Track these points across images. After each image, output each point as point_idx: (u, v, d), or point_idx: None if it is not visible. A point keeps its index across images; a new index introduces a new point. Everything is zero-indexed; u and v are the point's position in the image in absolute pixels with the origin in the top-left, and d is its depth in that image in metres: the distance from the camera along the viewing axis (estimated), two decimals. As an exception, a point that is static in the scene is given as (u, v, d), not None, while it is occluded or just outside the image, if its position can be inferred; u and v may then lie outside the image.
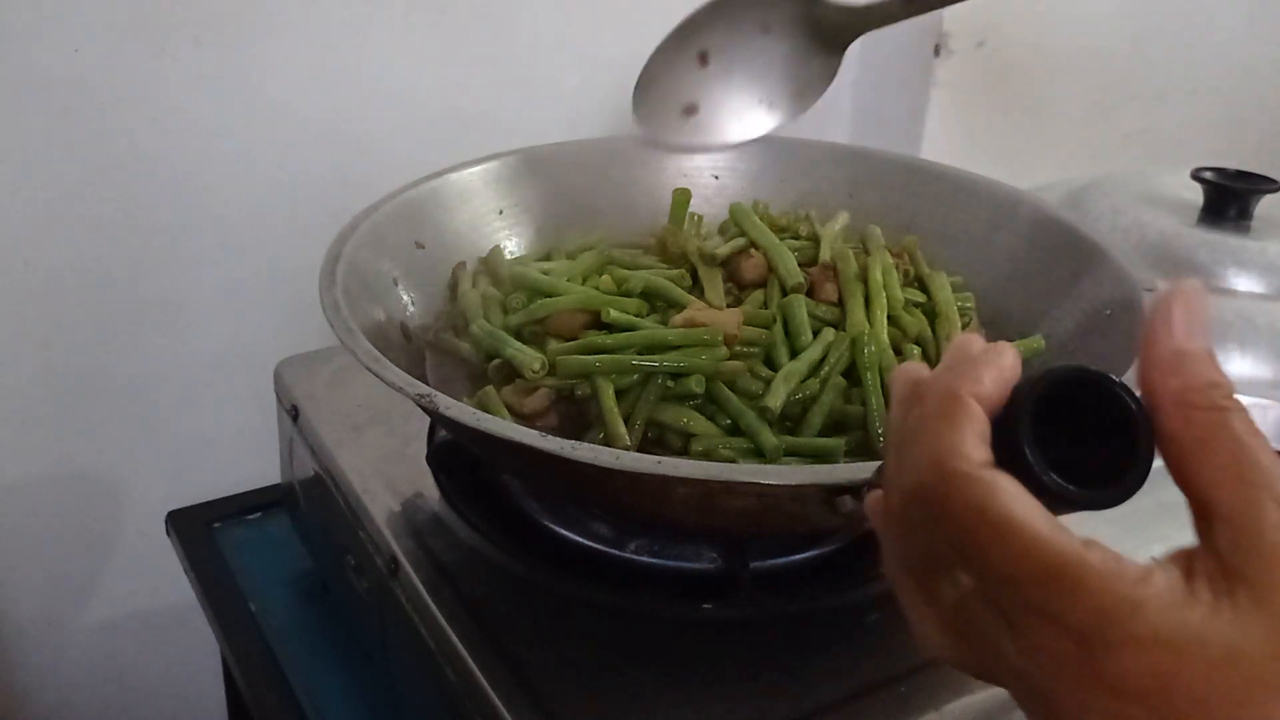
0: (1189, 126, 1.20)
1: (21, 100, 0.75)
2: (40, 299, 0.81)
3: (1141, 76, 1.16)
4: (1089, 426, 0.28)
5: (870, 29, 0.70)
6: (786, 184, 0.78)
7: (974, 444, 0.27)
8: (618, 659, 0.53)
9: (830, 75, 0.74)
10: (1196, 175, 0.83)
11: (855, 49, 0.73)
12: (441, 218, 0.70)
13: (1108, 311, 0.61)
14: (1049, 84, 1.09)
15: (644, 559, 0.59)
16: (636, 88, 0.75)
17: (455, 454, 0.65)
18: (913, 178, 0.76)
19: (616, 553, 0.60)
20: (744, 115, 0.76)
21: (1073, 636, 0.25)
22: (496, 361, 0.61)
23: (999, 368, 0.29)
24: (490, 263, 0.70)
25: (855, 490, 0.44)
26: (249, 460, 0.85)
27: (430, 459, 0.65)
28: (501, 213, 0.73)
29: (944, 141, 1.01)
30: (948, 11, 0.97)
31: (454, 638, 0.54)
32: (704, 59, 0.73)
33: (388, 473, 0.65)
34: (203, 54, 0.79)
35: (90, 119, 0.77)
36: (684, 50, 0.74)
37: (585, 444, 0.46)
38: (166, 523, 0.80)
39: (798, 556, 0.60)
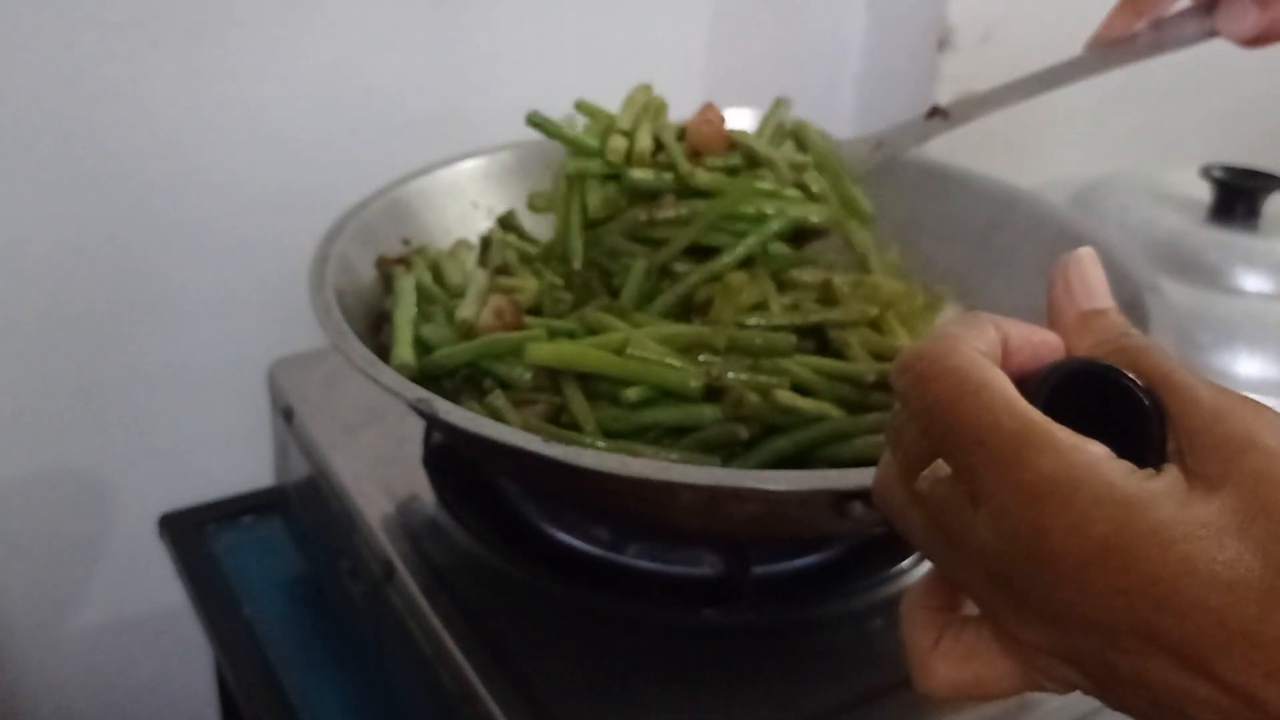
0: (1197, 123, 1.20)
1: (12, 98, 0.74)
2: (31, 300, 0.81)
3: (1149, 72, 1.15)
4: (1101, 420, 0.28)
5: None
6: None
7: (976, 335, 0.29)
8: (617, 665, 0.53)
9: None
10: (1205, 173, 0.83)
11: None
12: (429, 215, 0.69)
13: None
14: (1054, 80, 1.08)
15: (644, 564, 0.59)
16: None
17: (451, 457, 0.64)
18: (914, 173, 0.75)
19: (616, 557, 0.59)
20: None
21: (1034, 495, 0.26)
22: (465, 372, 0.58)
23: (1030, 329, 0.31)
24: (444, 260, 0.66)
25: (865, 496, 0.43)
26: (242, 463, 0.85)
27: (426, 461, 0.65)
28: (490, 209, 0.72)
29: (948, 137, 1.01)
30: (953, 6, 0.97)
31: (449, 643, 0.53)
32: None
33: (382, 475, 0.65)
34: (196, 51, 0.78)
35: (82, 117, 0.77)
36: None
37: (590, 450, 0.45)
38: (159, 526, 0.79)
39: (800, 562, 0.59)
